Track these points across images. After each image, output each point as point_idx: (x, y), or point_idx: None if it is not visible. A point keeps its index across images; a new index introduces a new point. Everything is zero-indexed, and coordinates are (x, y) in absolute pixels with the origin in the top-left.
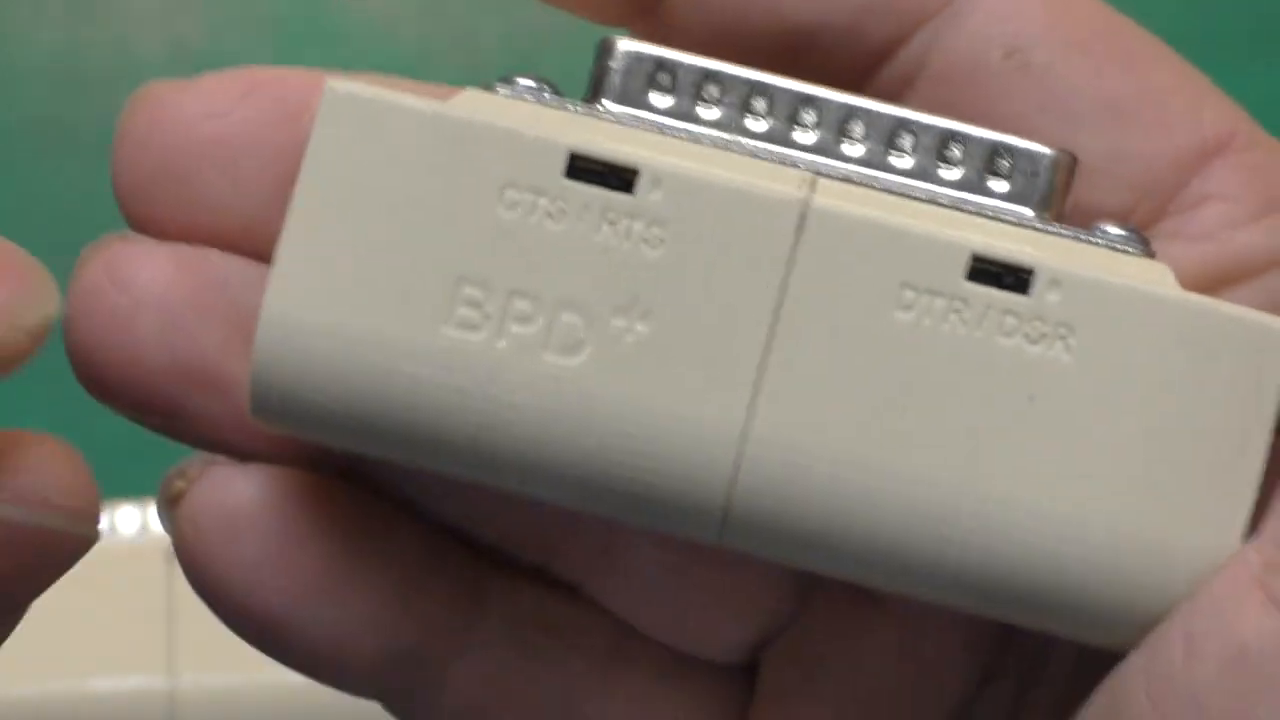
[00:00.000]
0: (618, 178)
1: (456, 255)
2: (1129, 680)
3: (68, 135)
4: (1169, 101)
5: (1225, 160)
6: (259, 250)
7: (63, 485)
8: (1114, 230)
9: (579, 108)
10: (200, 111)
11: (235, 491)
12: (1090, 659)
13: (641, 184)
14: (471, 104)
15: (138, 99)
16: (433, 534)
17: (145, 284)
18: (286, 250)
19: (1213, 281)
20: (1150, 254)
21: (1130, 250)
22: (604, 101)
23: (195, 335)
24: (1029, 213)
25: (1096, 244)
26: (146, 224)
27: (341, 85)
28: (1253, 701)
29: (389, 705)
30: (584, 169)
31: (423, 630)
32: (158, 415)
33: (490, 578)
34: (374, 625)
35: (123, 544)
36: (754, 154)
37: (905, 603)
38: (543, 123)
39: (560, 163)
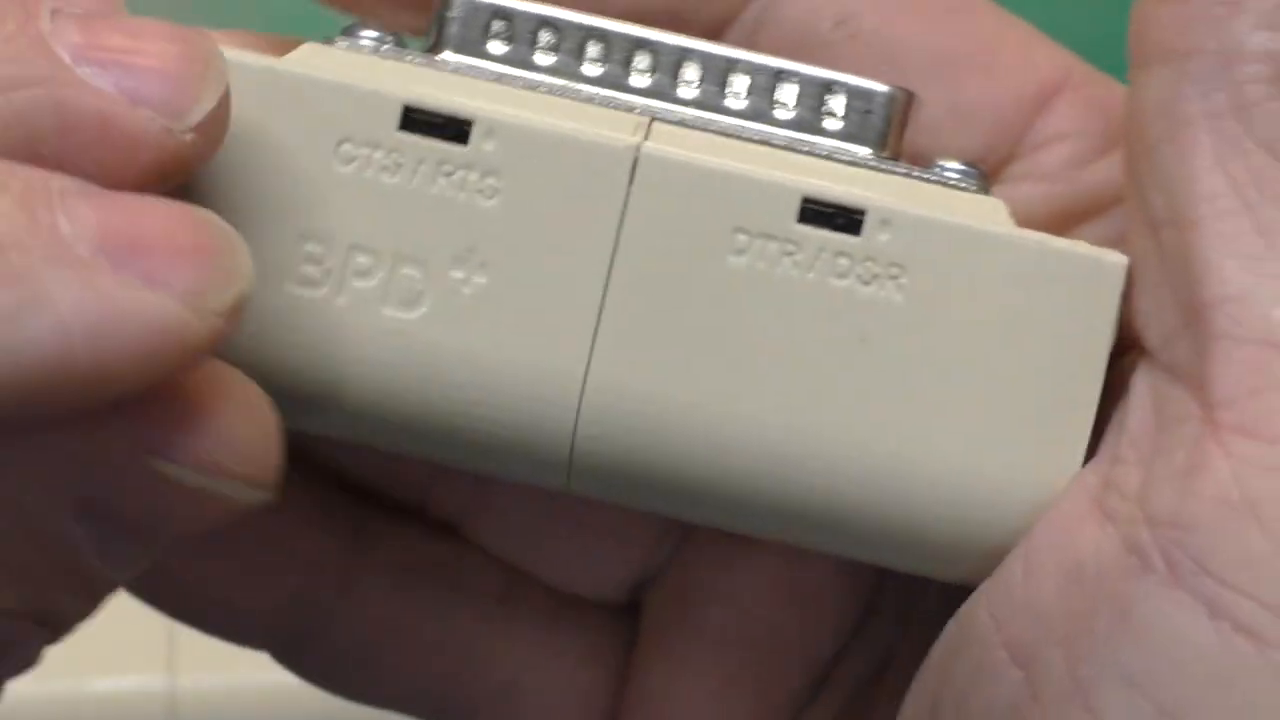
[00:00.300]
0: (452, 129)
1: (297, 210)
2: (974, 603)
3: None
4: (1001, 49)
5: (1064, 99)
6: None
7: (245, 452)
8: (951, 167)
9: (418, 59)
10: None
11: None
12: (958, 595)
13: (475, 134)
14: (308, 58)
15: None
16: (311, 476)
17: None
18: None
19: (1065, 218)
20: (986, 190)
21: (966, 187)
22: (444, 52)
23: None
24: (865, 151)
25: (932, 181)
26: None
27: None
28: (1091, 612)
29: (279, 656)
30: (418, 121)
31: (306, 573)
32: None
33: (372, 520)
34: (256, 571)
35: None
36: (590, 100)
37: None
38: (378, 75)
39: (394, 115)
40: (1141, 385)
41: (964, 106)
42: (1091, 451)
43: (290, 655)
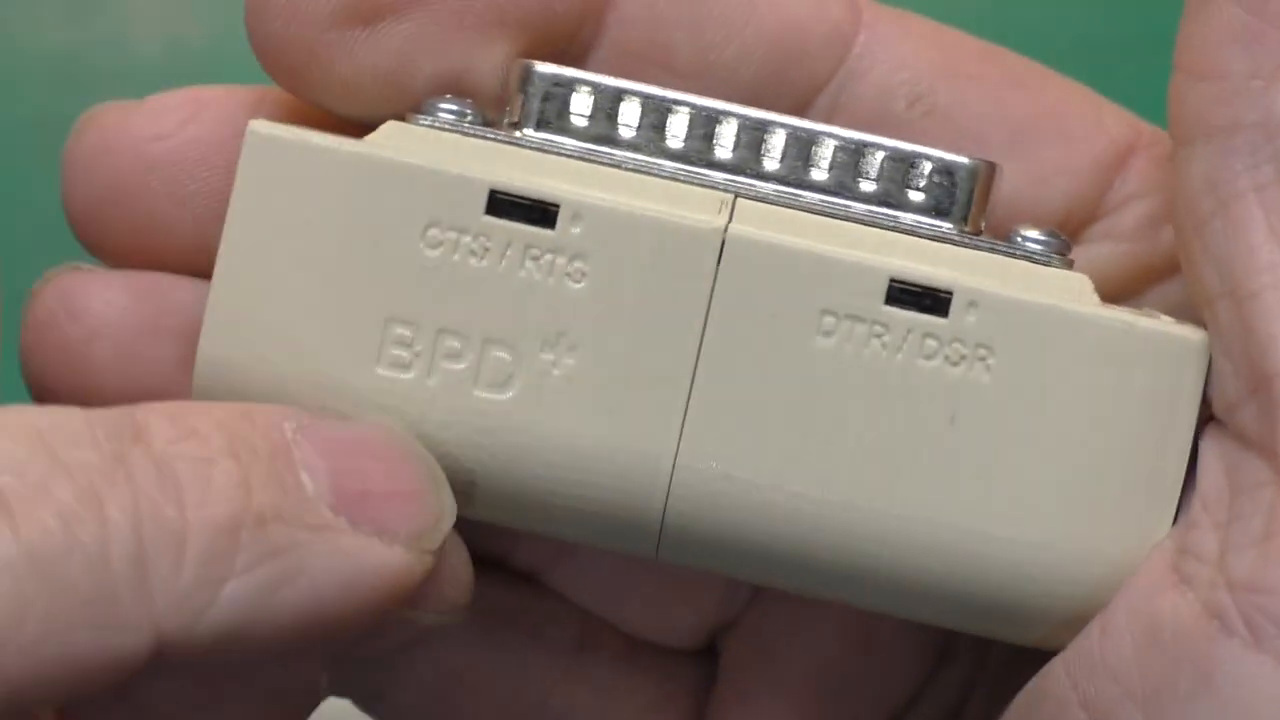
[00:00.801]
0: (538, 212)
1: (384, 295)
2: (1054, 664)
3: (67, 135)
4: (1071, 115)
5: (1137, 159)
6: (210, 269)
7: (467, 584)
8: (1032, 237)
9: (500, 136)
10: (148, 133)
11: None
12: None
13: (562, 218)
14: (391, 139)
15: (85, 122)
16: None
17: (98, 313)
18: (218, 292)
19: (1146, 276)
20: (1069, 263)
21: (1049, 260)
22: (526, 129)
23: (149, 361)
24: (948, 225)
25: (1016, 255)
26: (99, 246)
27: (263, 127)
28: (1172, 674)
29: (360, 702)
30: (505, 204)
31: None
32: None
33: None
34: None
35: None
36: (673, 176)
37: None
38: (463, 156)
39: (481, 200)
40: (1211, 452)
41: (1042, 174)
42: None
43: (370, 702)
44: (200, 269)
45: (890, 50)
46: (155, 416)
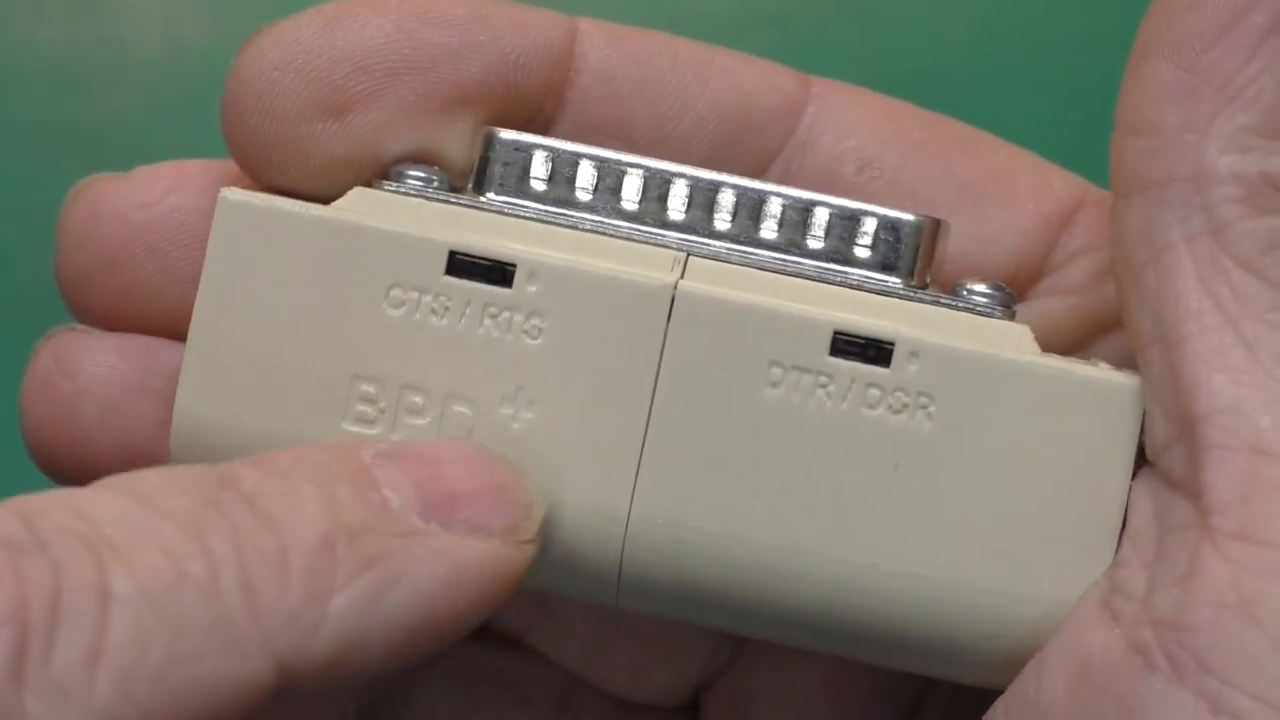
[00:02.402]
0: (496, 272)
1: (350, 353)
2: (995, 706)
3: (67, 135)
4: (1016, 176)
5: (1083, 216)
6: None
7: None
8: (978, 290)
9: (463, 200)
10: (133, 201)
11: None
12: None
13: (519, 277)
14: (357, 204)
15: (76, 193)
16: None
17: (89, 372)
18: (192, 352)
19: (1094, 328)
20: (1011, 314)
21: (992, 312)
22: (488, 193)
23: (135, 419)
24: (894, 280)
25: (960, 308)
26: (87, 311)
27: (234, 194)
28: (1098, 710)
29: None
30: (464, 265)
31: (370, 687)
32: None
33: None
34: None
35: None
36: (628, 236)
37: None
38: (425, 219)
39: (441, 261)
40: (1142, 492)
41: (989, 233)
42: None
43: None
44: (186, 333)
45: (839, 119)
46: (238, 465)
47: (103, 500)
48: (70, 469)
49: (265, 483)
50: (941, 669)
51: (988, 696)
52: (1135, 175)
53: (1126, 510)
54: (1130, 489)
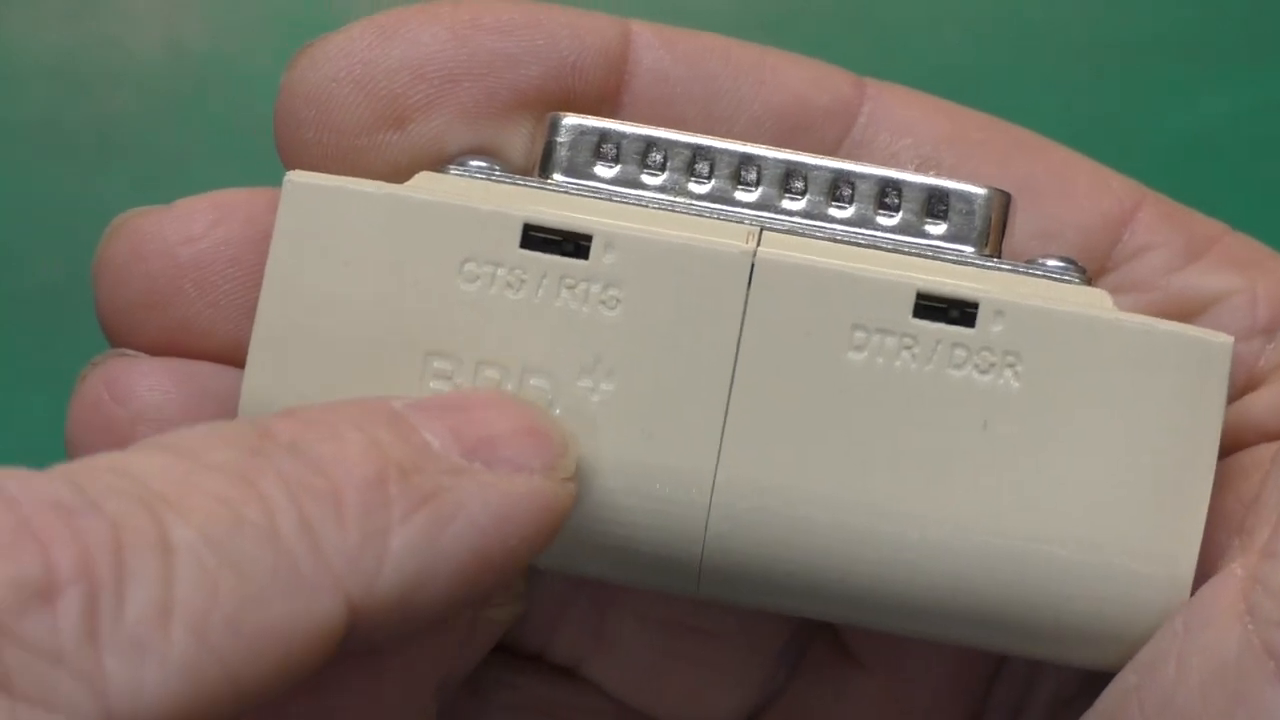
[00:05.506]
0: (572, 244)
1: (423, 330)
2: (1124, 701)
3: (67, 135)
4: (1075, 175)
5: (1144, 214)
6: (244, 361)
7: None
8: (1053, 262)
9: (529, 183)
10: (178, 237)
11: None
12: (1069, 693)
13: (595, 248)
14: (426, 185)
15: (114, 230)
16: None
17: (143, 398)
18: (260, 335)
19: None
20: (1089, 281)
21: (1070, 279)
22: (554, 175)
23: None
24: (969, 250)
25: (1036, 276)
26: (133, 347)
27: (300, 176)
28: (1227, 713)
29: None
30: (539, 238)
31: None
32: None
33: (488, 665)
34: None
35: None
36: (700, 214)
37: (889, 662)
38: (495, 198)
39: (515, 234)
40: None
41: (1050, 229)
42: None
43: None
44: (237, 362)
45: (895, 119)
46: (274, 417)
47: (147, 458)
48: None
49: (305, 430)
50: (1037, 644)
51: (1054, 717)
52: None
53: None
54: None
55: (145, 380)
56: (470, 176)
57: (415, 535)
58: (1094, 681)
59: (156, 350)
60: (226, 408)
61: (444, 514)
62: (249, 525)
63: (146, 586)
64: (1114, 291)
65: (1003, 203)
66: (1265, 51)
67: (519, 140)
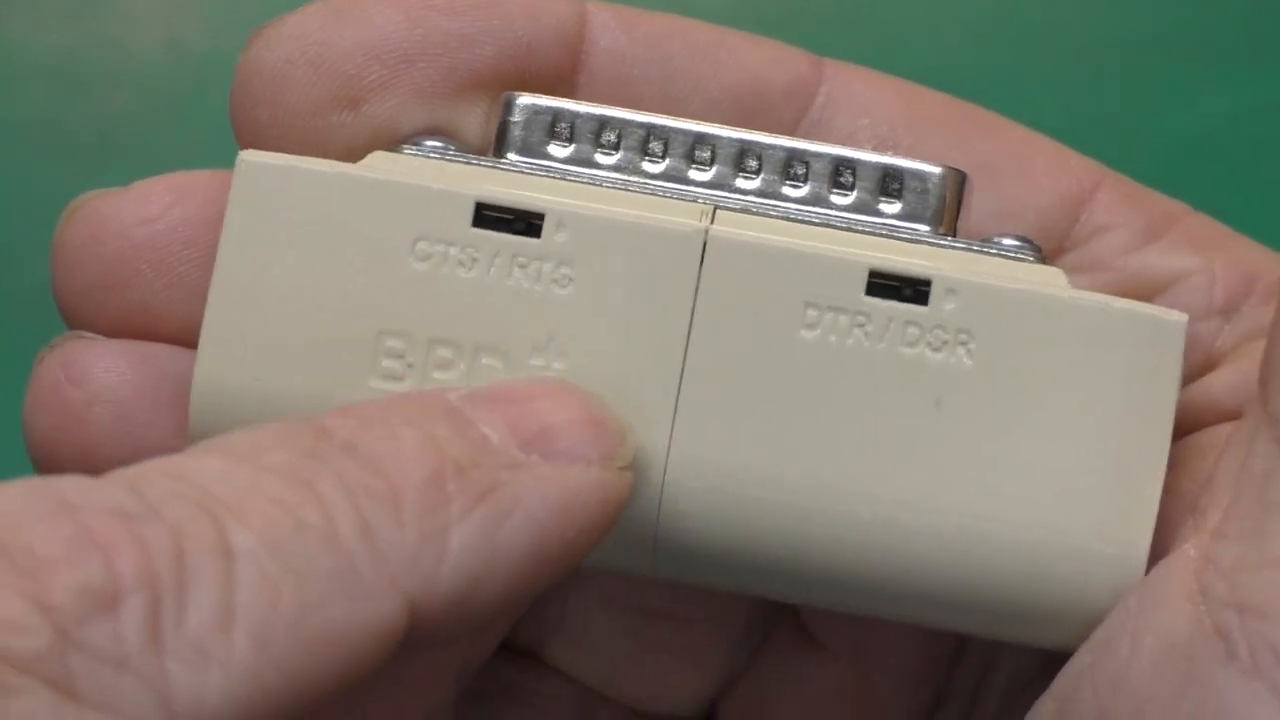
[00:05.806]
0: (524, 223)
1: (375, 309)
2: (1079, 680)
3: (67, 135)
4: (1034, 155)
5: (1103, 194)
6: None
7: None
8: (1008, 241)
9: (483, 162)
10: (134, 218)
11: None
12: (1028, 674)
13: (547, 226)
14: (380, 165)
15: (73, 211)
16: None
17: (99, 380)
18: (213, 316)
19: None
20: (1044, 260)
21: (1025, 258)
22: (508, 155)
23: (147, 426)
24: (924, 229)
25: (990, 254)
26: (90, 329)
27: (254, 156)
28: (1179, 695)
29: None
30: (491, 217)
31: (387, 708)
32: None
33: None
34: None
35: None
36: (653, 192)
37: (852, 646)
38: (448, 177)
39: (467, 213)
40: (1260, 458)
41: (1008, 209)
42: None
43: None
44: (195, 343)
45: (852, 99)
46: (327, 416)
47: (203, 463)
48: None
49: (360, 428)
50: (991, 623)
51: (1011, 702)
52: None
53: (1240, 480)
54: (1249, 458)
55: (102, 362)
56: (424, 156)
57: (473, 533)
58: (1052, 663)
59: (114, 332)
60: (184, 389)
61: (501, 509)
62: (308, 528)
63: (208, 592)
64: (1072, 271)
65: (958, 181)
66: (1265, 51)
67: (474, 120)
